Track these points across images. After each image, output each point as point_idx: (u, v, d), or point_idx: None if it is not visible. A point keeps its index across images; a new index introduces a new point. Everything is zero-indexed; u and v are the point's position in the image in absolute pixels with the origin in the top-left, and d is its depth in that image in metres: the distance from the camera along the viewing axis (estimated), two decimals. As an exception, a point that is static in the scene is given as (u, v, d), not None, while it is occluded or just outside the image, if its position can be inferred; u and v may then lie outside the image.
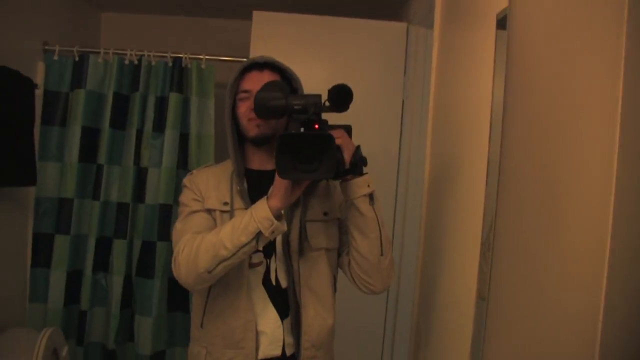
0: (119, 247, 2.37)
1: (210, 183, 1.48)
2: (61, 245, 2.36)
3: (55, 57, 2.38)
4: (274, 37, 2.29)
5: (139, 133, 2.37)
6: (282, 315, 1.44)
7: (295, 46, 2.34)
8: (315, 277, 1.44)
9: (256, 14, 2.29)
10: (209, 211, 1.44)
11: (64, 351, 2.17)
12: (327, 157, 1.24)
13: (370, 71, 2.33)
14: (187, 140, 2.37)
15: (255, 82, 1.42)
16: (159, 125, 2.36)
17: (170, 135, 2.33)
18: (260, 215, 1.25)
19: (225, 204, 1.44)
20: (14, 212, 2.31)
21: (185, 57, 2.39)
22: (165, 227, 2.35)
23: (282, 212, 1.30)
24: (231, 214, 1.43)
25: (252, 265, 1.42)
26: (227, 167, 1.51)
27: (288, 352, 1.44)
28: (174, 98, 2.33)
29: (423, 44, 2.24)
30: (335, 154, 1.25)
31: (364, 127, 2.31)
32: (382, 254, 1.37)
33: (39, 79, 2.36)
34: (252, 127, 1.43)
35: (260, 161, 1.49)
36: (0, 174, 2.02)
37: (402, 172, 2.33)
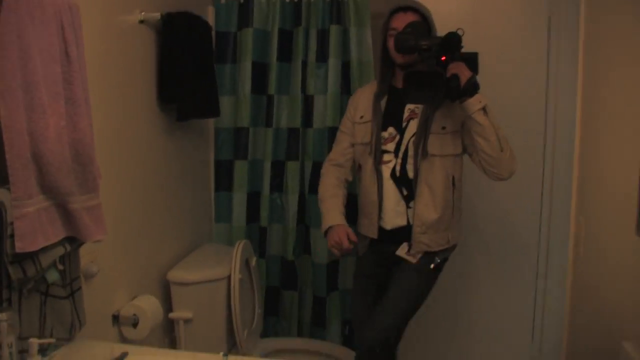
0: (292, 168, 2.61)
1: (360, 101, 2.09)
2: (240, 169, 2.64)
3: (223, 1, 2.62)
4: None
5: (304, 64, 2.58)
6: (407, 198, 1.98)
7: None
8: (431, 176, 1.93)
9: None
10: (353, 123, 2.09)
11: (253, 261, 2.45)
12: (438, 88, 1.73)
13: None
14: (348, 67, 2.55)
15: (400, 21, 1.91)
16: (322, 56, 2.56)
17: (333, 64, 2.53)
18: None
19: (361, 117, 2.05)
20: (198, 142, 2.59)
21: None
22: (333, 148, 2.57)
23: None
24: (366, 125, 2.02)
25: (383, 163, 2.00)
26: (374, 86, 2.08)
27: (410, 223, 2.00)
28: (334, 29, 2.52)
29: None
30: (441, 88, 1.73)
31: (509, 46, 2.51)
32: (502, 150, 1.80)
33: (210, 22, 2.60)
34: (397, 57, 1.94)
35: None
36: (192, 109, 2.26)
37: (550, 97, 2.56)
